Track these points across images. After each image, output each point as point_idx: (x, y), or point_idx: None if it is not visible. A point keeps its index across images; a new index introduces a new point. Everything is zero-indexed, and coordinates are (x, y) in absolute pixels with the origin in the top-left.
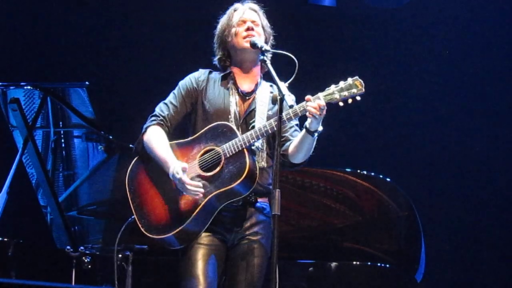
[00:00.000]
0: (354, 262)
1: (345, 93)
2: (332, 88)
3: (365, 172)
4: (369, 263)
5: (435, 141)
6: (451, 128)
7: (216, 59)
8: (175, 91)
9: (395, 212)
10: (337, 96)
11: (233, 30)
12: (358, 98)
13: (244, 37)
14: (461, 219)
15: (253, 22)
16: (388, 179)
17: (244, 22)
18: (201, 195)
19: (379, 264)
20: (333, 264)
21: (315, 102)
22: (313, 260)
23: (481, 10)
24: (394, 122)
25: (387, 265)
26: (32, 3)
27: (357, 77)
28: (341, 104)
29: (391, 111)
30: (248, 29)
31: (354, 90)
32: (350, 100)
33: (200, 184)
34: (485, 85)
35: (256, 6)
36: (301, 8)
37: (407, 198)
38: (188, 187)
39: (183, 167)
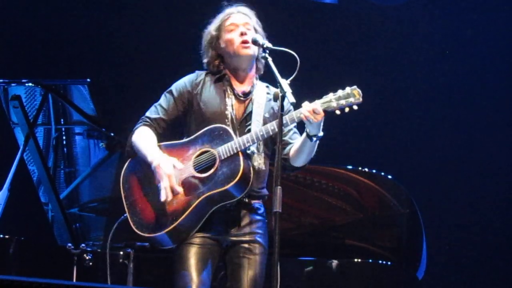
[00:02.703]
0: (356, 260)
1: (343, 101)
2: (330, 96)
3: (366, 170)
4: (370, 261)
5: (436, 138)
6: (453, 126)
7: (205, 62)
8: (167, 93)
9: (396, 210)
10: (334, 104)
11: (226, 36)
12: (355, 107)
13: (241, 46)
14: (463, 217)
15: (245, 24)
16: (389, 177)
17: (236, 26)
18: (170, 195)
19: (380, 262)
20: (334, 262)
21: (310, 107)
22: (315, 257)
23: (483, 8)
24: (396, 119)
25: (389, 263)
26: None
27: (355, 86)
28: (338, 112)
29: (393, 108)
30: (242, 34)
31: (352, 99)
32: (347, 109)
33: (179, 190)
34: (486, 83)
35: (246, 10)
36: (303, 5)
37: (408, 196)
38: (165, 183)
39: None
